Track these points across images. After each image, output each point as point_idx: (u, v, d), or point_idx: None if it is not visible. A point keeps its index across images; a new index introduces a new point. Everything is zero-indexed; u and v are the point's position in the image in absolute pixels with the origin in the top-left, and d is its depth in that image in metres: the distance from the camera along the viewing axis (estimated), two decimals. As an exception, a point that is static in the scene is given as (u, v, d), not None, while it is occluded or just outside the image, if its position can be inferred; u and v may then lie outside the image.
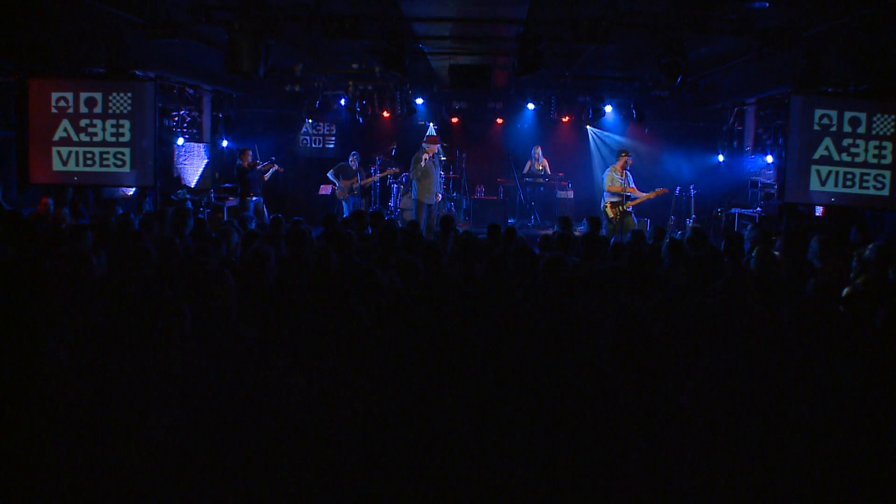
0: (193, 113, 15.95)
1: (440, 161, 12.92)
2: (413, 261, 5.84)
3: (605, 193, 12.60)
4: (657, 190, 12.74)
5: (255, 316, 4.39)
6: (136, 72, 11.67)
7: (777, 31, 7.84)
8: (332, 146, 17.75)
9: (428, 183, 12.52)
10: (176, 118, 15.15)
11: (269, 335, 3.77)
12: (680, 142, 16.36)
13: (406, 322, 4.30)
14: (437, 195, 12.91)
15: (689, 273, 6.41)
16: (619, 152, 12.97)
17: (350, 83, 14.13)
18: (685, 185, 14.38)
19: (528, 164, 15.94)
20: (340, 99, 15.90)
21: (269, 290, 4.78)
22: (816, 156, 10.17)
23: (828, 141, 10.12)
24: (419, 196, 12.63)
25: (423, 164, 12.38)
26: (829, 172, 10.18)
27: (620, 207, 12.51)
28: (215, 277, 3.75)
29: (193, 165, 15.97)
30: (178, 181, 15.22)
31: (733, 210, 13.94)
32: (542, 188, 15.80)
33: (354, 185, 14.36)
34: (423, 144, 12.65)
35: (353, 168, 14.50)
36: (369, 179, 14.92)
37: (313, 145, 17.95)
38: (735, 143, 15.96)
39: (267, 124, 17.55)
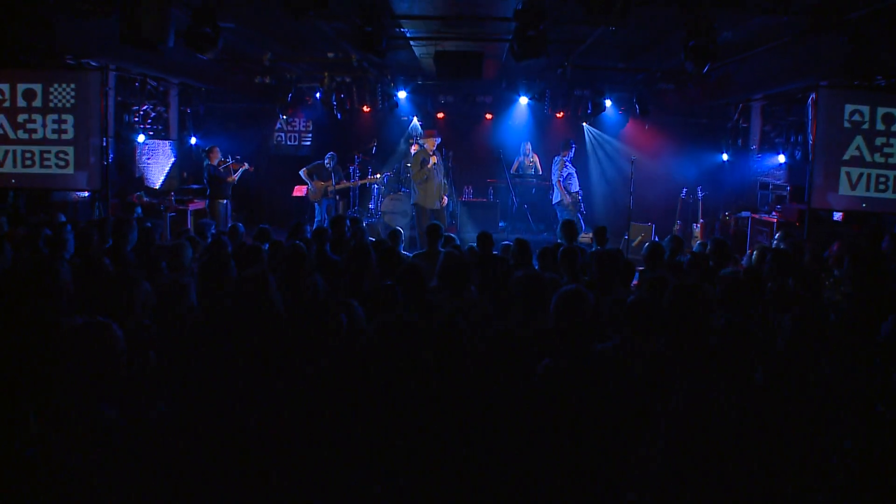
0: (159, 108, 14.82)
1: (440, 160, 11.58)
2: (389, 290, 4.66)
3: (561, 182, 12.43)
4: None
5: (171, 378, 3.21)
6: (91, 62, 10.42)
7: (820, 9, 6.69)
8: (308, 143, 16.56)
9: (430, 185, 11.23)
10: (140, 113, 13.91)
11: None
12: (682, 140, 15.28)
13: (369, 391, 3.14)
14: (443, 199, 11.63)
15: (726, 301, 5.27)
16: (568, 141, 12.68)
17: (326, 74, 12.83)
18: (691, 186, 13.23)
19: (517, 161, 14.79)
20: (316, 92, 14.67)
21: (184, 339, 3.58)
22: (847, 156, 9.09)
23: (859, 140, 9.03)
24: (420, 200, 11.37)
25: (430, 165, 11.07)
26: (861, 175, 9.09)
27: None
28: (92, 333, 2.58)
29: (159, 164, 14.77)
30: (139, 182, 13.99)
31: (743, 214, 12.84)
32: (534, 189, 14.62)
33: (329, 188, 13.08)
34: (421, 141, 11.28)
35: (329, 169, 13.23)
36: (345, 184, 13.55)
37: (288, 142, 16.78)
38: (740, 142, 14.89)
39: (239, 120, 16.46)
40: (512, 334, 4.06)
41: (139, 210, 11.40)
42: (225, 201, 12.77)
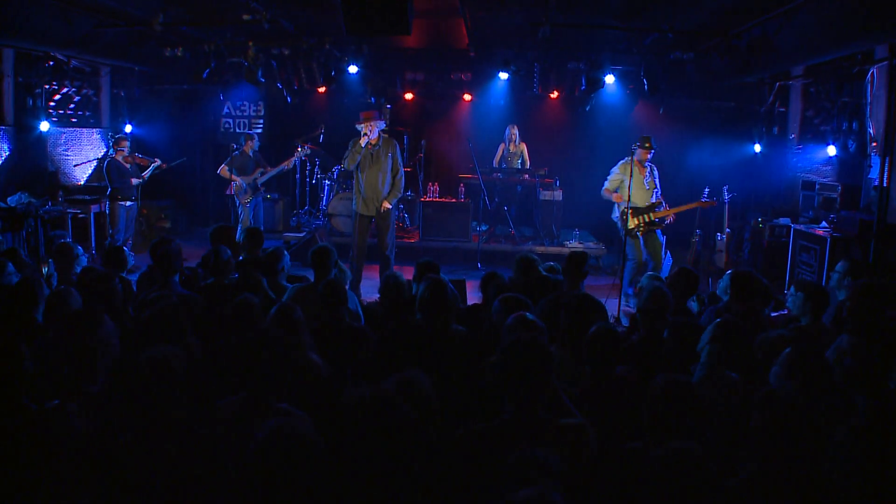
0: (86, 91, 12.38)
1: (389, 149, 8.44)
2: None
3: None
4: (701, 202, 9.42)
5: None
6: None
7: None
8: (259, 130, 14.05)
9: (361, 182, 8.40)
10: (56, 97, 11.54)
11: None
12: (705, 127, 12.54)
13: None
14: (383, 203, 8.54)
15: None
16: (640, 139, 9.03)
17: (250, 44, 10.11)
18: (715, 185, 10.34)
19: (501, 148, 12.02)
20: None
21: None
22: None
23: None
24: (355, 204, 8.60)
25: (361, 150, 8.25)
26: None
27: (646, 217, 8.94)
28: None
29: (82, 157, 12.36)
30: (53, 177, 11.59)
31: (782, 221, 10.04)
32: (519, 186, 11.75)
33: (258, 181, 10.50)
34: (358, 126, 8.44)
35: (251, 157, 10.68)
36: (269, 171, 10.73)
37: (237, 130, 14.35)
38: (776, 130, 12.08)
39: (181, 104, 14.16)
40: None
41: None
42: (129, 203, 10.58)
